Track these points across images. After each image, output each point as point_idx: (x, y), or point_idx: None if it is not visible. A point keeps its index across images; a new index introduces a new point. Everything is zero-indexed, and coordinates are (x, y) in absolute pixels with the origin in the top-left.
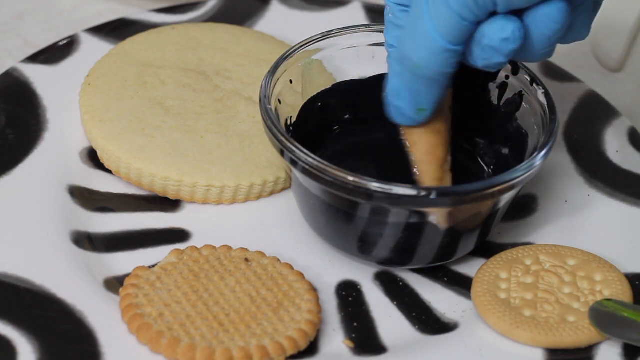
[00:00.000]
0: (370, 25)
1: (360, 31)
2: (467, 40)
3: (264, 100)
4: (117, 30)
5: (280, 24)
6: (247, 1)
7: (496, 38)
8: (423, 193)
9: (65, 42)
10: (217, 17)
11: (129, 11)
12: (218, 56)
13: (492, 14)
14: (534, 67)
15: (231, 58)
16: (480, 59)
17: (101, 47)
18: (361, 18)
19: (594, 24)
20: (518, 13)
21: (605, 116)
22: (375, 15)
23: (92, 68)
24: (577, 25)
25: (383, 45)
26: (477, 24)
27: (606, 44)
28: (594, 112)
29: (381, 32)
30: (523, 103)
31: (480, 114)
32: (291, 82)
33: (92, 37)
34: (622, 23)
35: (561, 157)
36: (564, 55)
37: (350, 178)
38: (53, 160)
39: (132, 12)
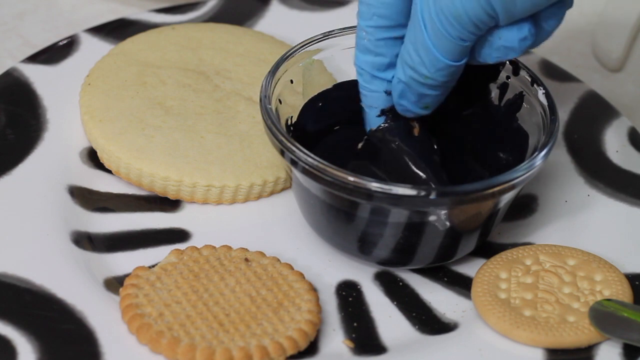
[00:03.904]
0: None
1: None
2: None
3: (264, 100)
4: (117, 30)
5: (280, 24)
6: (247, 1)
7: (514, 39)
8: (422, 193)
9: (65, 42)
10: (217, 17)
11: (129, 11)
12: (218, 56)
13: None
14: (534, 67)
15: (231, 58)
16: (493, 57)
17: (101, 47)
18: None
19: (594, 24)
20: None
21: (605, 116)
22: None
23: (92, 68)
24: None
25: None
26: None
27: (606, 44)
28: (594, 112)
29: None
30: (524, 103)
31: (481, 114)
32: (292, 82)
33: (92, 37)
34: (622, 23)
35: (561, 157)
36: (564, 55)
37: (351, 178)
38: (53, 160)
39: (132, 12)
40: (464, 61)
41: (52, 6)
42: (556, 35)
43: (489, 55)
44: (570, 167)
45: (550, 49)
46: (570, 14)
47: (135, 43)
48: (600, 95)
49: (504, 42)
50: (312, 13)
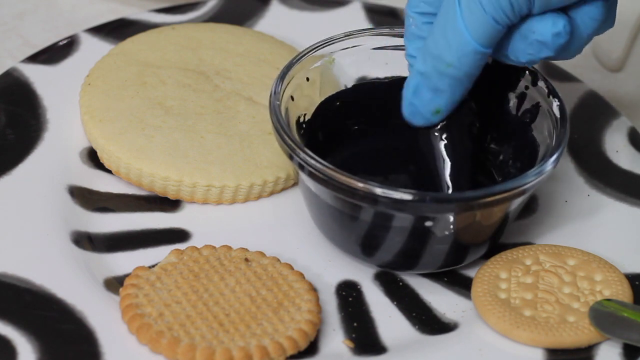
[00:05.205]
0: (394, 27)
1: (385, 34)
2: (503, 37)
3: (273, 98)
4: (117, 30)
5: (280, 24)
6: (247, 1)
7: (547, 33)
8: (429, 198)
9: (65, 42)
10: (217, 17)
11: (129, 11)
12: (218, 56)
13: (525, 17)
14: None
15: (231, 58)
16: (526, 54)
17: (101, 47)
18: (361, 18)
19: None
20: (560, 11)
21: (605, 116)
22: (375, 15)
23: (92, 68)
24: (609, 17)
25: (401, 49)
26: (509, 27)
27: (606, 44)
28: (594, 112)
29: (402, 35)
30: (538, 114)
31: (497, 122)
32: (308, 79)
33: (92, 37)
34: (622, 23)
35: (561, 157)
36: None
37: (359, 184)
38: (53, 160)
39: (132, 12)
40: (489, 50)
41: (52, 6)
42: None
43: (523, 51)
44: (570, 167)
45: None
46: None
47: (135, 43)
48: (600, 95)
49: (538, 36)
50: (312, 13)
